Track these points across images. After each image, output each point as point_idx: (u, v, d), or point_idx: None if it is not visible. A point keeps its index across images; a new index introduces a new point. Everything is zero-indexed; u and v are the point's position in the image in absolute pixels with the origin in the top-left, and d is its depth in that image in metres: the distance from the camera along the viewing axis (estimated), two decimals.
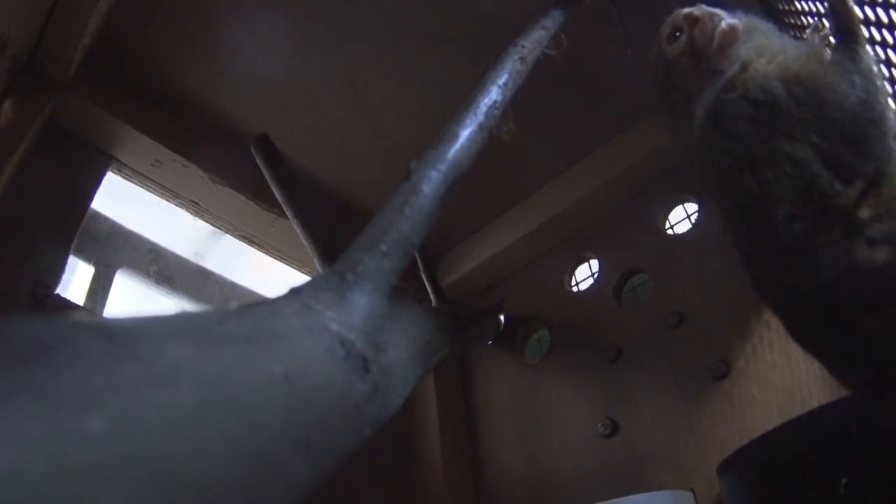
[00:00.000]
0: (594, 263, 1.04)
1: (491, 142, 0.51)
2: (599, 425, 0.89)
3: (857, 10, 0.48)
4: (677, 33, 0.54)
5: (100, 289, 0.88)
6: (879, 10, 0.51)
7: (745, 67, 0.49)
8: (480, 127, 0.50)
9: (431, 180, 0.42)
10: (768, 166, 0.45)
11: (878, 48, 0.52)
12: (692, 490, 0.75)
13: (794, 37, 0.59)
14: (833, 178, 0.43)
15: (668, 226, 0.97)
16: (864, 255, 0.42)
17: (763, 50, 0.49)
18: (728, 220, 0.51)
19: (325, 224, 0.86)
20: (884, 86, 0.46)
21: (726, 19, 0.52)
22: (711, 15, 0.52)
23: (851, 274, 0.42)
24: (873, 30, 0.52)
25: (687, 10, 0.54)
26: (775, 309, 0.51)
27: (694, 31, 0.53)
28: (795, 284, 0.46)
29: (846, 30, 0.47)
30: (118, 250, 0.93)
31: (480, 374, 1.09)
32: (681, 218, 0.97)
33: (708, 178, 0.52)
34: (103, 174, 0.87)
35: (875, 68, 0.46)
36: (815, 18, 0.58)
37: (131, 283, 0.93)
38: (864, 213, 0.43)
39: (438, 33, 0.85)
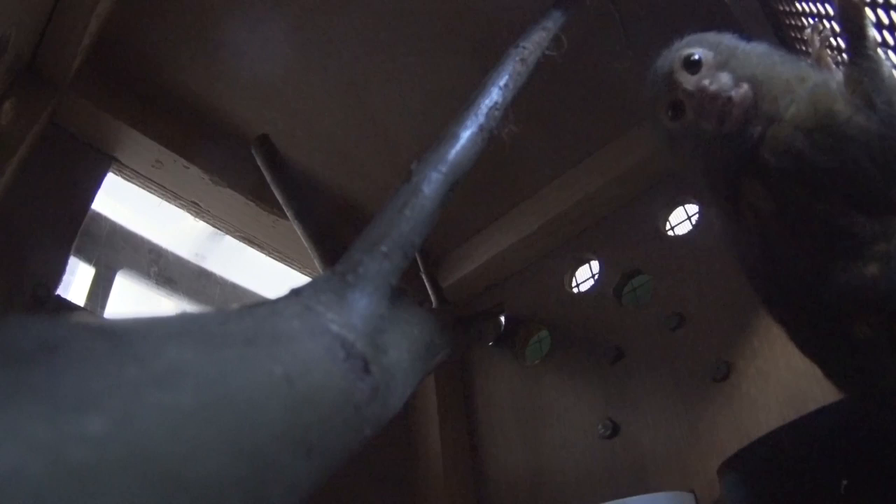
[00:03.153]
0: (595, 265, 1.04)
1: (492, 143, 0.51)
2: (600, 426, 0.89)
3: (869, 13, 0.46)
4: (677, 107, 0.49)
5: (100, 290, 0.88)
6: (880, 11, 0.51)
7: (771, 121, 0.45)
8: (481, 128, 0.50)
9: (432, 181, 0.43)
10: (796, 220, 0.45)
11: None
12: (693, 491, 0.74)
13: (784, 45, 0.57)
14: (864, 220, 0.43)
15: (668, 227, 0.97)
16: (860, 269, 0.42)
17: (774, 90, 0.46)
18: (733, 243, 0.51)
19: (326, 225, 0.86)
20: None
21: (726, 91, 0.46)
22: (713, 97, 0.46)
23: (853, 285, 0.42)
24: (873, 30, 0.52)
25: (682, 88, 0.48)
26: (772, 308, 0.51)
27: (700, 107, 0.47)
28: (797, 296, 0.46)
29: (858, 35, 0.45)
30: (119, 251, 0.93)
31: (481, 375, 1.09)
32: (681, 219, 0.97)
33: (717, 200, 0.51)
34: (104, 175, 0.88)
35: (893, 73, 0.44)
36: (815, 20, 0.58)
37: (132, 284, 0.93)
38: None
39: (439, 35, 0.85)
